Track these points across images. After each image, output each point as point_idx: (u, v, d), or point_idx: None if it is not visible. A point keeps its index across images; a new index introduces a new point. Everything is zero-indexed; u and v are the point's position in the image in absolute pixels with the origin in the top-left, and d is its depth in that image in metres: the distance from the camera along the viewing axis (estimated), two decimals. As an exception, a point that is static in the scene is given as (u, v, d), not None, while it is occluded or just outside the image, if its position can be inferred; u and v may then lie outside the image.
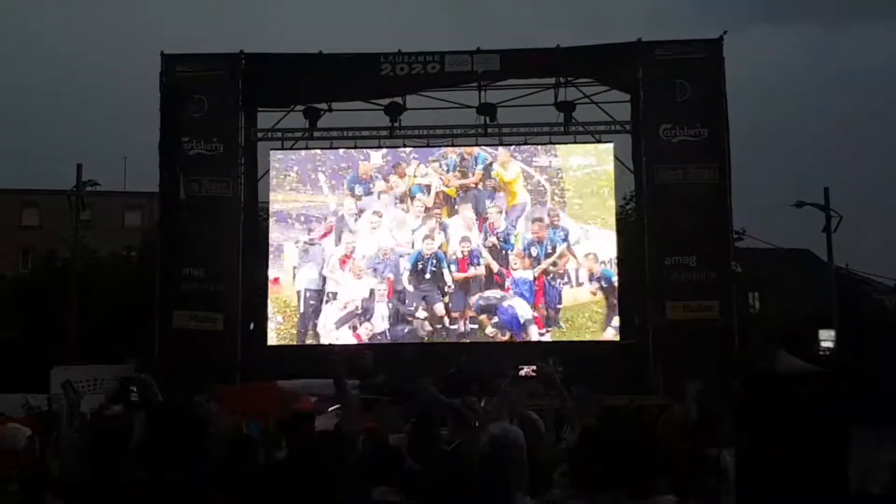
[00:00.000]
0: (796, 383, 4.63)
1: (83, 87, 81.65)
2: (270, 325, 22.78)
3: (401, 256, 22.74)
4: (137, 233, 39.71)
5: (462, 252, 22.53)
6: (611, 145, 23.29)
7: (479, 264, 22.53)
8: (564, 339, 22.14)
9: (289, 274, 22.93)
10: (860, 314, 37.00)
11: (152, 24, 75.70)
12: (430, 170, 23.01)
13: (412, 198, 22.90)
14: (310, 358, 21.88)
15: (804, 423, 4.40)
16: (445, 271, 22.52)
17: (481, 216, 22.67)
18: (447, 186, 22.88)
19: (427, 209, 22.83)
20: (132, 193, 50.81)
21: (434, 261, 22.55)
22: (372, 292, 22.65)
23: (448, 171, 22.94)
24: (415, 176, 23.00)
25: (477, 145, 23.30)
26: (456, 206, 22.80)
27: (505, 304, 22.48)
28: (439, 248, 22.64)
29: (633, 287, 22.56)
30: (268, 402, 14.72)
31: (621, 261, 22.78)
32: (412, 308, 22.61)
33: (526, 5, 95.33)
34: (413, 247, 22.77)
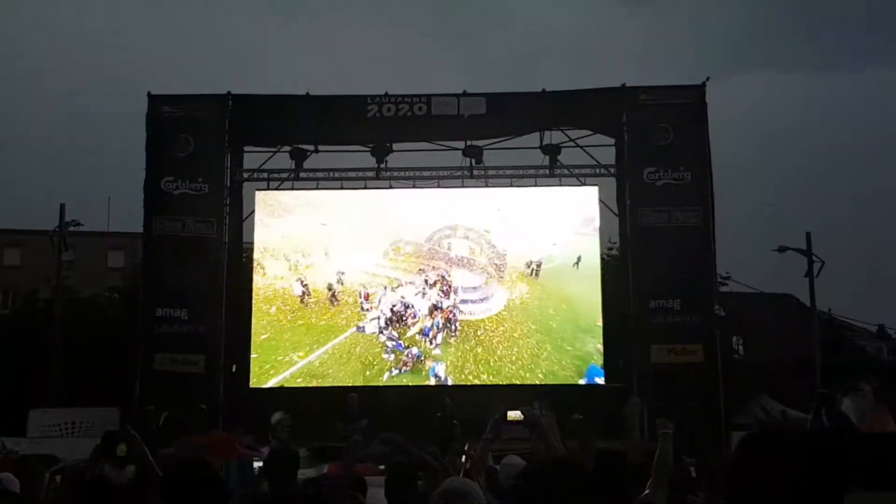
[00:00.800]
0: (791, 444, 4.58)
1: (67, 125, 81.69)
2: (253, 367, 22.66)
3: (382, 297, 22.82)
4: (120, 273, 39.51)
5: (436, 326, 22.70)
6: (595, 188, 23.38)
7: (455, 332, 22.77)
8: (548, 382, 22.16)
9: (269, 315, 22.92)
10: (843, 360, 37.07)
11: (139, 63, 75.92)
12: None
13: (392, 247, 23.14)
14: (292, 400, 21.78)
15: (801, 486, 4.36)
16: (426, 320, 22.70)
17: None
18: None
19: (405, 260, 23.08)
20: (115, 234, 50.68)
21: (412, 307, 22.74)
22: (353, 334, 22.67)
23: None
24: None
25: (463, 187, 23.44)
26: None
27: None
28: (419, 298, 22.83)
29: (617, 330, 22.52)
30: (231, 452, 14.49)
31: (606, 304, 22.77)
32: (394, 352, 22.61)
33: (513, 49, 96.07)
34: (387, 291, 22.89)
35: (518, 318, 22.73)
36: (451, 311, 22.81)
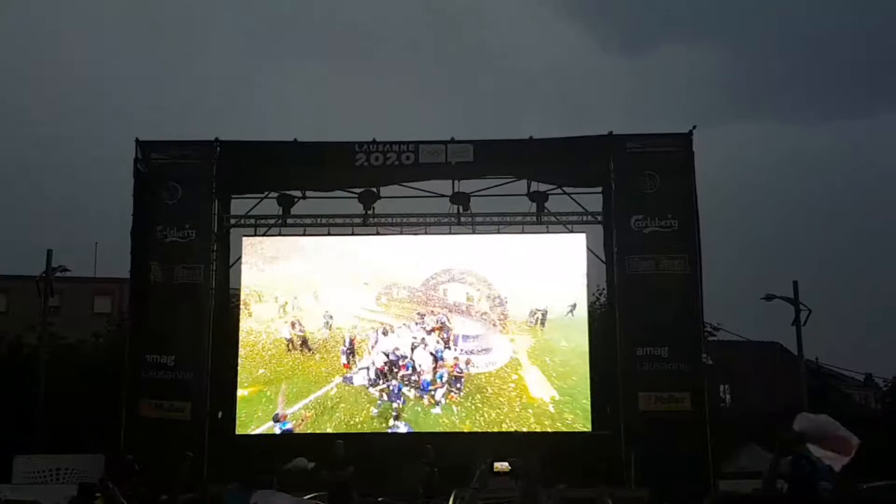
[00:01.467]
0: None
1: (55, 170, 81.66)
2: (239, 414, 22.54)
3: (374, 344, 22.74)
4: (107, 319, 39.27)
5: (439, 378, 22.47)
6: (583, 235, 23.42)
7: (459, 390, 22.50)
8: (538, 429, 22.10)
9: (255, 362, 22.83)
10: (830, 408, 37.01)
11: (127, 109, 76.05)
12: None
13: (385, 292, 23.09)
14: (278, 447, 21.64)
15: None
16: (420, 370, 22.56)
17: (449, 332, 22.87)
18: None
19: (399, 305, 23.01)
20: (102, 279, 50.45)
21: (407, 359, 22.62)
22: (339, 385, 22.58)
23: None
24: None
25: (451, 234, 23.47)
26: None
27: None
28: (420, 349, 22.69)
29: (605, 377, 22.46)
30: None
31: (593, 351, 22.72)
32: (384, 397, 22.48)
33: (500, 97, 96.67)
34: (379, 337, 22.80)
35: (527, 373, 22.51)
36: (456, 366, 22.49)
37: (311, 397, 22.52)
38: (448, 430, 22.10)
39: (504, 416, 22.31)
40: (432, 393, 22.38)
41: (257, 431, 22.44)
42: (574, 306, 22.82)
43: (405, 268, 23.29)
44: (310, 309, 22.99)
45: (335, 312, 22.89)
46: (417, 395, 22.43)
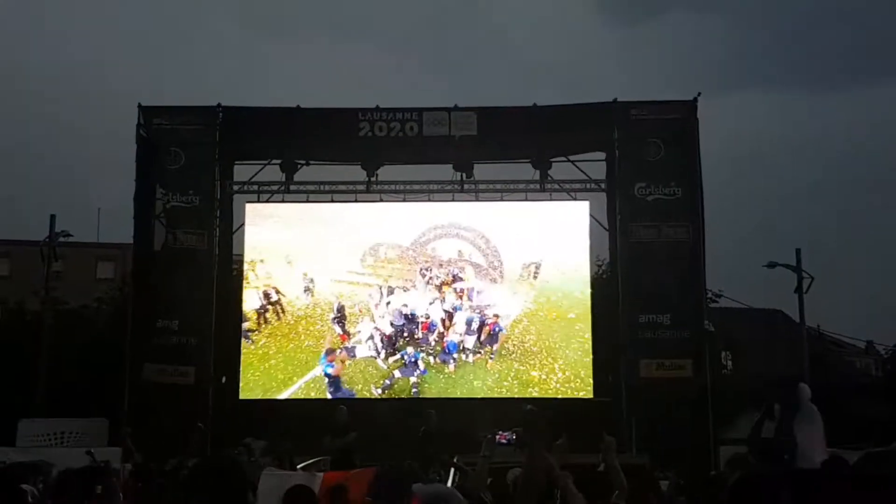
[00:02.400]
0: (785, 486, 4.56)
1: (57, 136, 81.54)
2: (243, 379, 22.60)
3: (378, 304, 22.60)
4: (110, 284, 39.38)
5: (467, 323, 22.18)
6: (586, 203, 23.37)
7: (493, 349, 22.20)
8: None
9: (257, 327, 22.86)
10: (830, 375, 37.14)
11: (131, 75, 75.88)
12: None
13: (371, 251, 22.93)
14: (282, 412, 21.72)
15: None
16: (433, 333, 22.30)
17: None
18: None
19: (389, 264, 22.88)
20: (105, 245, 50.55)
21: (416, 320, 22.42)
22: (342, 351, 22.51)
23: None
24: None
25: (454, 201, 23.43)
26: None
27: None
28: (420, 309, 22.44)
29: (607, 344, 22.50)
30: None
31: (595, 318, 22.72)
32: (388, 364, 22.43)
33: (502, 72, 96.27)
34: (383, 297, 22.70)
35: (539, 327, 22.37)
36: (494, 324, 22.07)
37: (306, 377, 22.40)
38: (483, 395, 21.96)
39: (533, 378, 22.11)
40: (460, 355, 22.03)
41: (260, 397, 22.45)
42: (574, 267, 22.74)
43: (398, 230, 23.06)
44: (297, 275, 22.76)
45: (336, 277, 22.72)
46: (440, 361, 22.20)
